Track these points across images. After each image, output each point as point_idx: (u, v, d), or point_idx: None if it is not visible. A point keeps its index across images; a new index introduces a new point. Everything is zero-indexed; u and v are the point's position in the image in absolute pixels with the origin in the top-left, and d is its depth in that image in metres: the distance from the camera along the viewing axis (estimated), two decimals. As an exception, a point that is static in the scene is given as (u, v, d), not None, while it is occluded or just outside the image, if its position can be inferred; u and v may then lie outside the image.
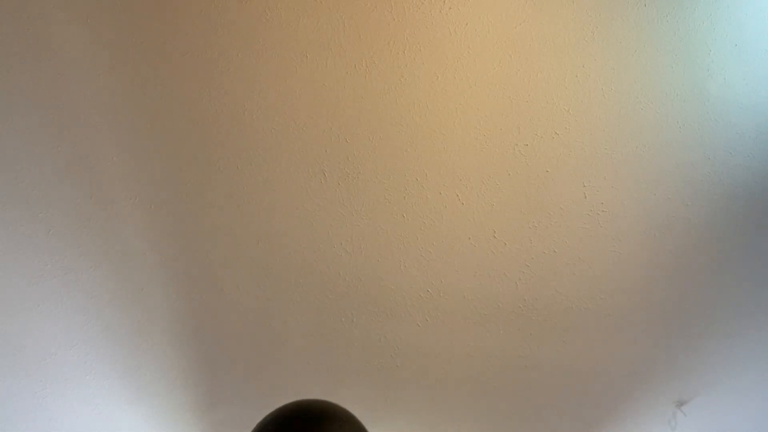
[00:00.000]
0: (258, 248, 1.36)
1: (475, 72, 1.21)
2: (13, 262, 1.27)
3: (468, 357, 1.57)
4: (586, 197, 1.34)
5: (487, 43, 1.18)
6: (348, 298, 1.46)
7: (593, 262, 1.42)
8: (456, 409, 1.71)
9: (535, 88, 1.22)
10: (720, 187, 1.35)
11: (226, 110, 1.21)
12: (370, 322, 1.52)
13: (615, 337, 1.54)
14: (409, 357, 1.61)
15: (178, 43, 1.14)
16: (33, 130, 1.17)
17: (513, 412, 1.70)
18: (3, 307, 1.30)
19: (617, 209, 1.36)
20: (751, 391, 1.69)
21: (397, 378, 1.67)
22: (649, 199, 1.35)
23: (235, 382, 1.63)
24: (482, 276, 1.43)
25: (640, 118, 1.26)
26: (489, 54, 1.19)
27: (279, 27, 1.14)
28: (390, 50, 1.18)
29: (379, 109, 1.23)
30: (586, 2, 1.15)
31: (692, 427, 1.75)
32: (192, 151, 1.24)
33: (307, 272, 1.40)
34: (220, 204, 1.30)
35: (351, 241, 1.36)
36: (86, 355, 1.42)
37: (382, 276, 1.42)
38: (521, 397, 1.66)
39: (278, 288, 1.42)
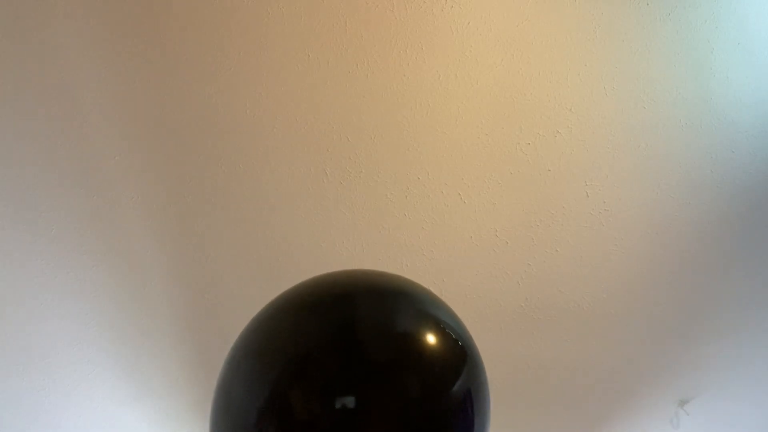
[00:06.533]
0: (260, 247, 1.36)
1: (476, 71, 1.21)
2: (17, 261, 1.27)
3: (470, 356, 1.57)
4: (588, 196, 1.34)
5: (488, 42, 1.18)
6: (350, 297, 1.46)
7: (595, 261, 1.42)
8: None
9: (536, 87, 1.22)
10: (722, 185, 1.34)
11: (228, 110, 1.21)
12: (372, 321, 1.52)
13: (617, 335, 1.54)
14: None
15: (180, 43, 1.14)
16: (36, 131, 1.17)
17: (515, 412, 1.70)
18: (6, 306, 1.31)
19: (619, 208, 1.36)
20: (753, 389, 1.68)
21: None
22: (651, 197, 1.35)
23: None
24: (484, 275, 1.43)
25: (642, 116, 1.26)
26: (491, 53, 1.19)
27: (281, 26, 1.14)
28: (391, 49, 1.18)
29: (381, 108, 1.23)
30: (588, 1, 1.15)
31: (695, 426, 1.75)
32: (194, 151, 1.24)
33: (308, 271, 1.40)
34: (222, 203, 1.30)
35: (352, 240, 1.37)
36: (89, 354, 1.42)
37: (384, 275, 1.42)
38: (523, 396, 1.66)
39: (280, 286, 1.42)
